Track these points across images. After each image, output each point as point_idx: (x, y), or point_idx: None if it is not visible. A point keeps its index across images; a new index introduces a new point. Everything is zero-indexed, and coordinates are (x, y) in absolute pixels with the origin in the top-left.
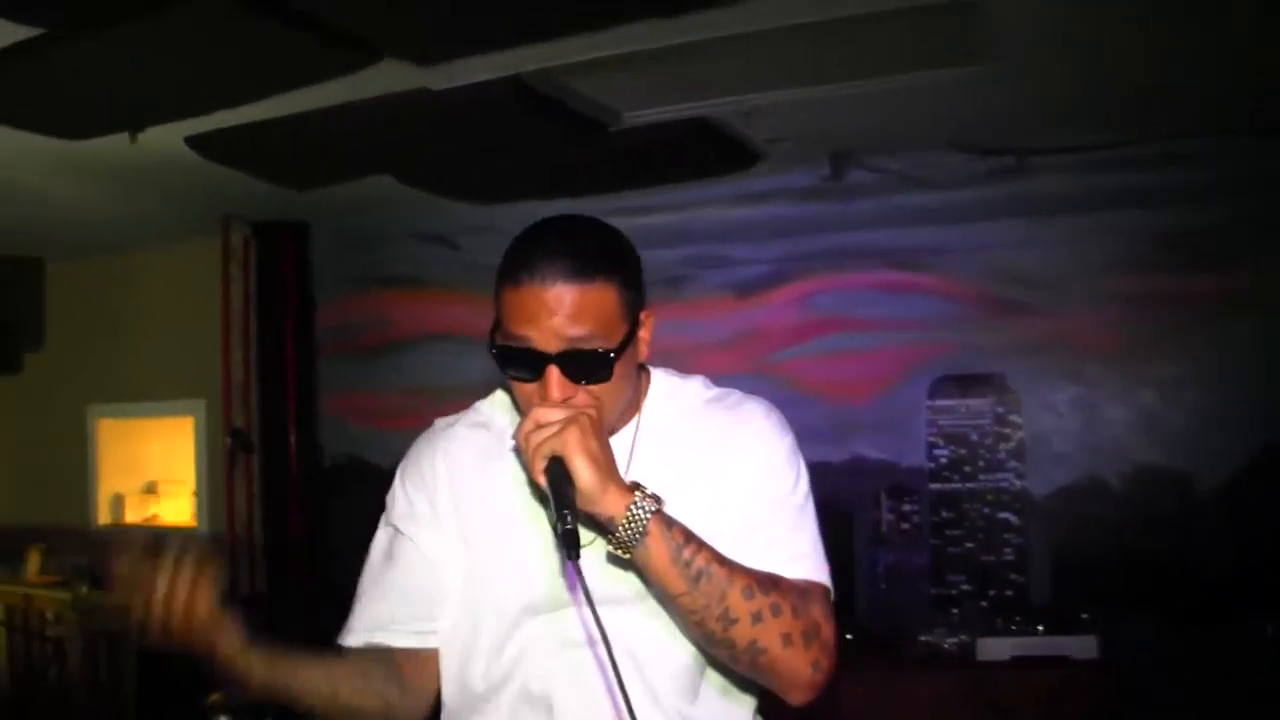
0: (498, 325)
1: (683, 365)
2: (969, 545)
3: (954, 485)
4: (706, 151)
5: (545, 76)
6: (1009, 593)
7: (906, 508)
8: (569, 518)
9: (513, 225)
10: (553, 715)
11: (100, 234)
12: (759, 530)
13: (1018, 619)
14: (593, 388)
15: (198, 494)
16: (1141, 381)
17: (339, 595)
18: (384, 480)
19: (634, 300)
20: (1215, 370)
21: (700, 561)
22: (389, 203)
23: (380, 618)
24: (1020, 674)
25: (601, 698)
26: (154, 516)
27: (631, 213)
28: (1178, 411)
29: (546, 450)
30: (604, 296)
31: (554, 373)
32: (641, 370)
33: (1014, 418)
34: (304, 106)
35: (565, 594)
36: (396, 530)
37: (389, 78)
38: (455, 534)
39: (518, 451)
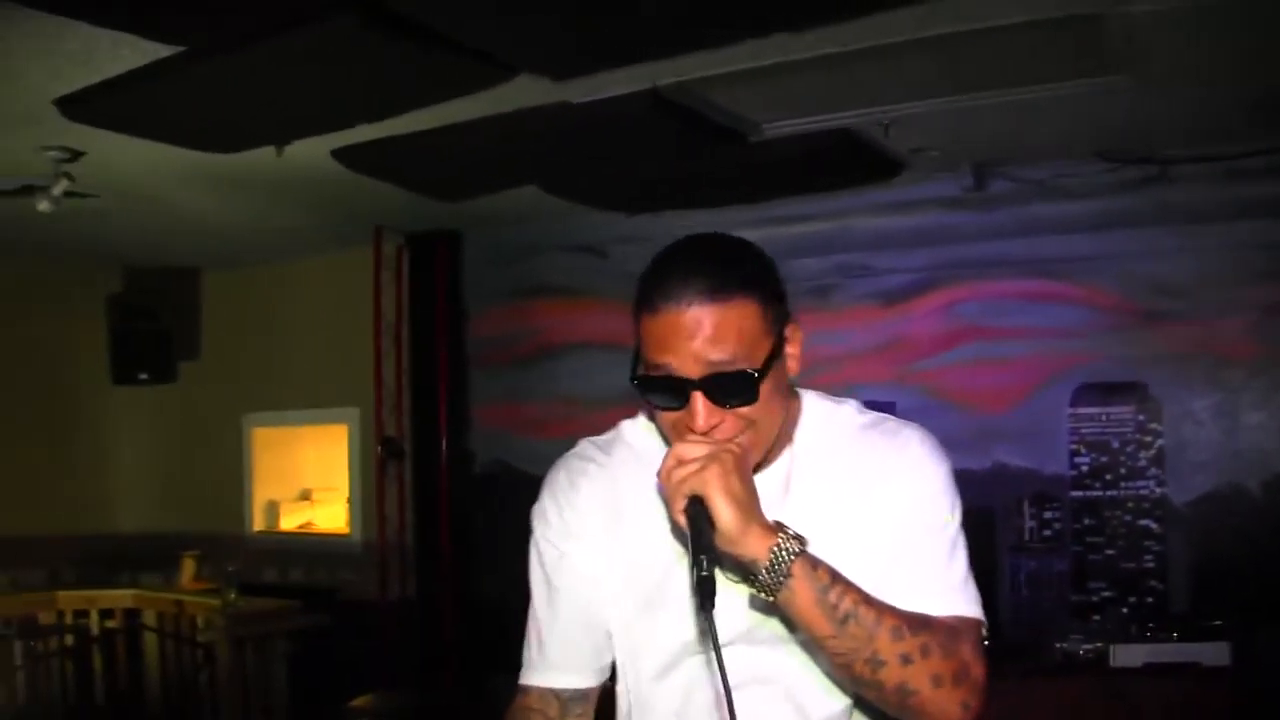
0: (638, 354)
1: (829, 373)
2: (1109, 552)
3: (1095, 493)
4: (849, 162)
5: (681, 89)
6: (1149, 600)
7: (1048, 515)
8: (705, 563)
9: (660, 234)
10: None
11: (252, 244)
12: (911, 561)
13: (1153, 626)
14: (741, 410)
15: (351, 501)
16: None
17: (487, 601)
18: (533, 488)
19: (777, 315)
20: None
21: (847, 603)
22: (539, 213)
23: (555, 658)
24: (1153, 680)
25: None
26: (309, 523)
27: (777, 222)
28: None
29: (687, 489)
30: (744, 314)
31: (698, 399)
32: (793, 395)
33: (1155, 425)
34: (445, 120)
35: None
36: (559, 551)
37: (526, 91)
38: (610, 562)
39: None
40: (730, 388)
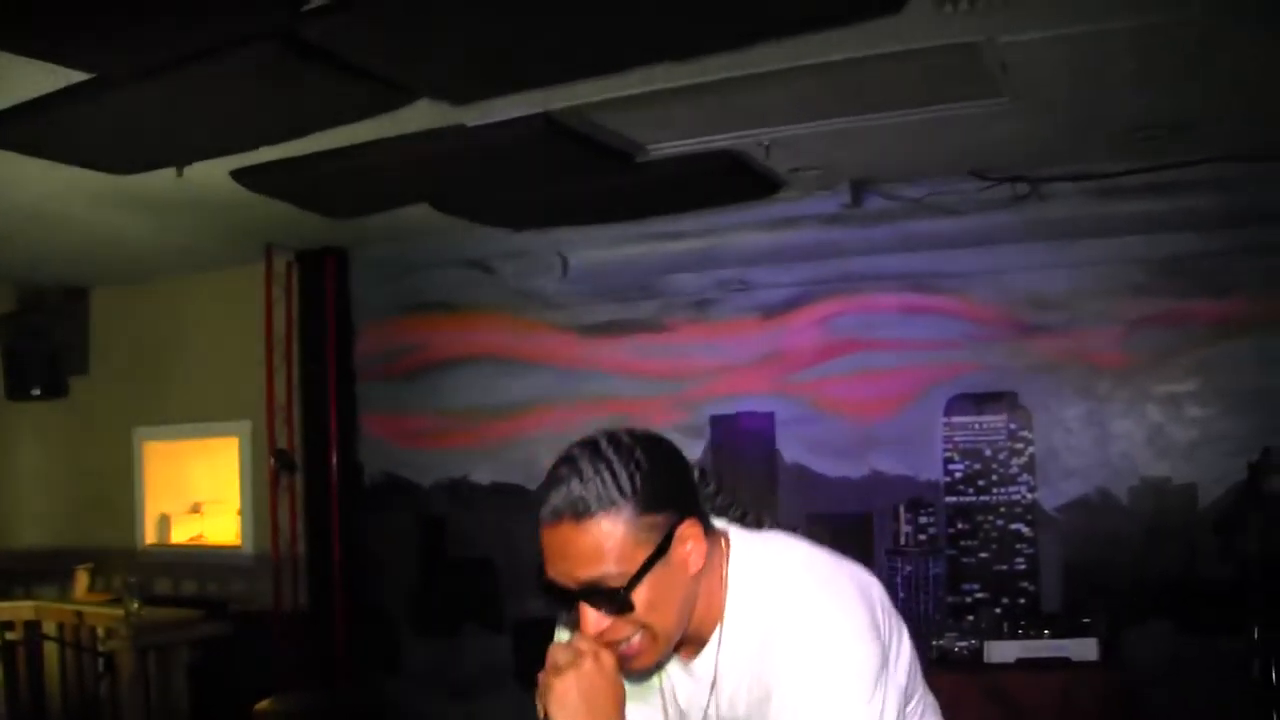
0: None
1: (711, 385)
2: (983, 555)
3: (969, 498)
4: (730, 180)
5: (573, 112)
6: (1021, 600)
7: (924, 519)
8: None
9: (546, 251)
10: None
11: (145, 261)
12: None
13: (1025, 624)
14: (625, 619)
15: (242, 513)
16: (1147, 398)
17: (376, 608)
18: (421, 498)
19: (653, 523)
20: (1216, 387)
21: None
22: (427, 230)
23: None
24: (1026, 674)
25: None
26: (200, 536)
27: (659, 238)
28: (1182, 427)
29: (541, 702)
30: (609, 531)
31: (585, 610)
32: (709, 593)
33: (1026, 433)
34: (344, 141)
35: None
36: None
37: (425, 114)
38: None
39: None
40: (603, 601)
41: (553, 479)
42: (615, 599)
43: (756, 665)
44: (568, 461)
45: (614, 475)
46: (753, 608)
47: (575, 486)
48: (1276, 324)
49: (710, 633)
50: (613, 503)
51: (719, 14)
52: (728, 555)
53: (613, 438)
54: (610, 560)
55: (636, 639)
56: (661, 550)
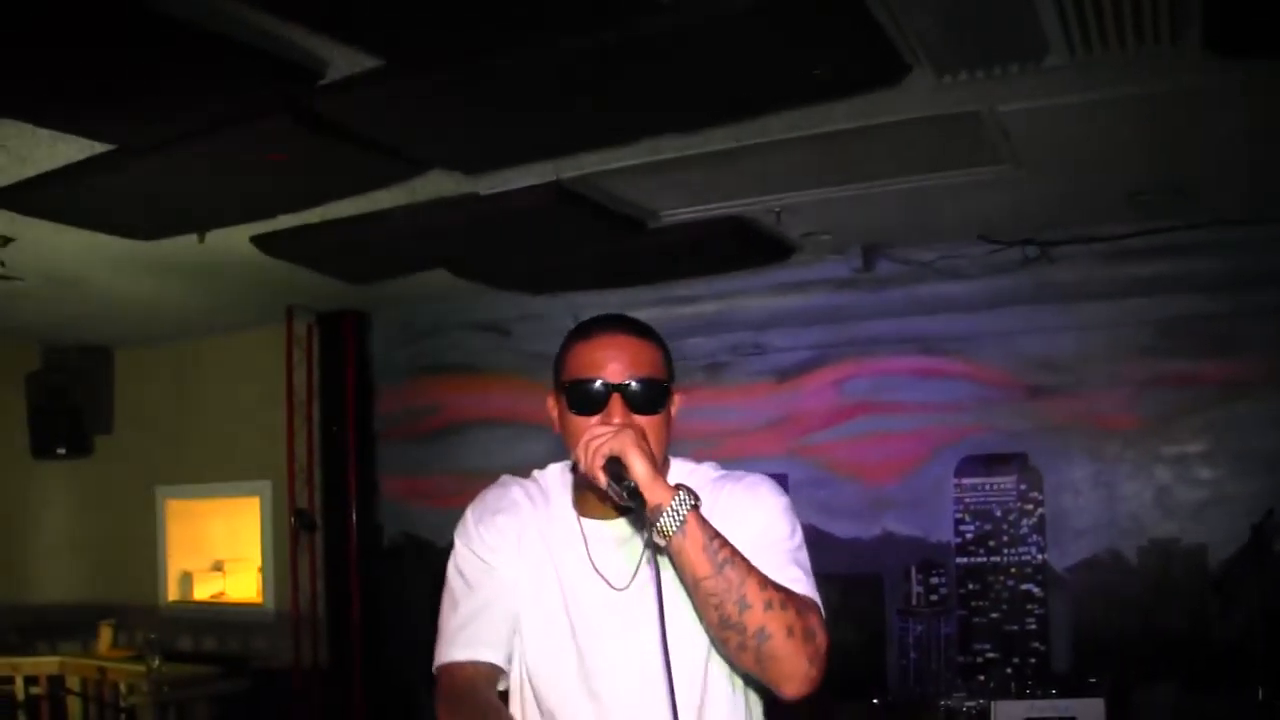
0: (561, 380)
1: (723, 448)
2: (994, 615)
3: (980, 558)
4: (742, 245)
5: (583, 181)
6: (1031, 660)
7: (935, 580)
8: (631, 485)
9: (561, 314)
10: (600, 700)
11: (168, 323)
12: (763, 562)
13: (1034, 684)
14: (640, 419)
15: (263, 571)
16: (1156, 459)
17: (394, 667)
18: (439, 557)
19: (671, 372)
20: (1225, 448)
21: (725, 553)
22: (445, 293)
23: (478, 636)
24: None
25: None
26: (221, 593)
27: (673, 303)
28: (1190, 487)
29: (606, 450)
30: (655, 354)
31: (616, 400)
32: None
33: (1036, 494)
34: (361, 209)
35: (615, 610)
36: (479, 559)
37: (438, 183)
38: (516, 573)
39: (576, 493)
40: (646, 393)
41: (600, 317)
42: (660, 392)
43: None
44: (610, 314)
45: (649, 326)
46: (691, 479)
47: (633, 321)
48: None
49: None
50: (659, 343)
51: (720, 89)
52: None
53: None
54: (657, 370)
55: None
56: (669, 389)
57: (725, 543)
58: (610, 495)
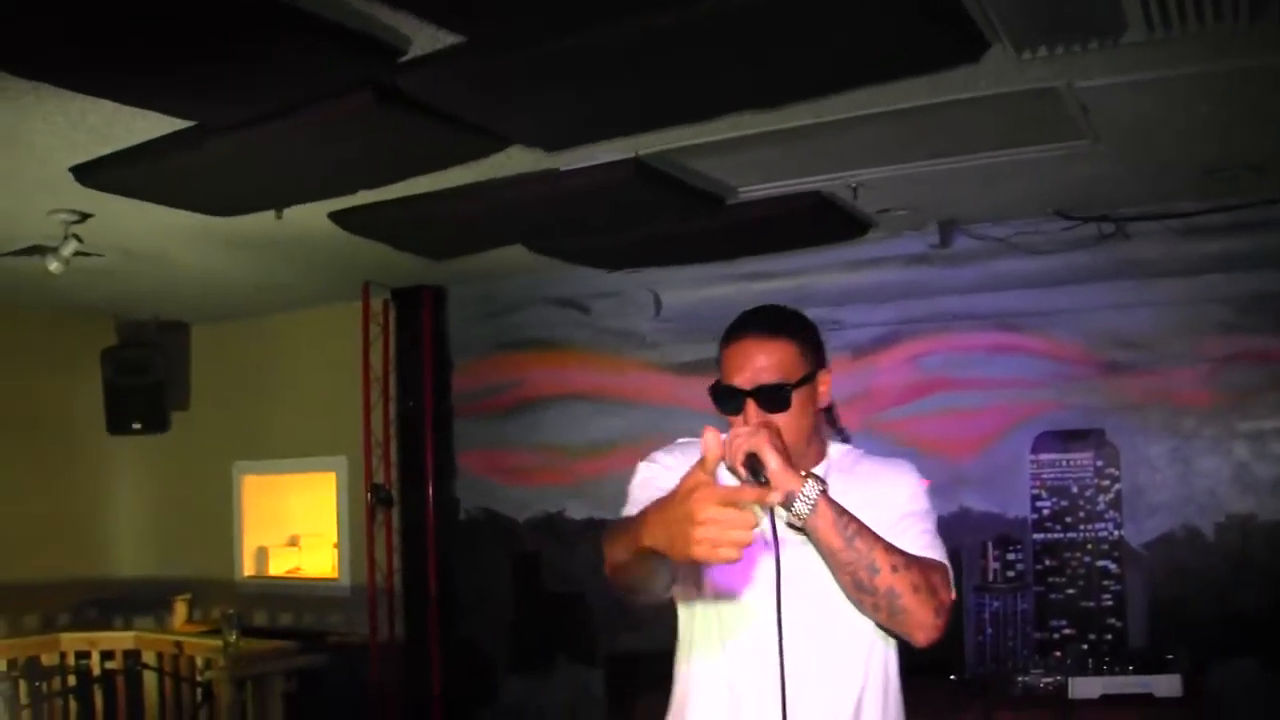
0: (717, 379)
1: None
2: (1070, 591)
3: (1056, 535)
4: (819, 221)
5: (662, 157)
6: (1107, 636)
7: (1011, 556)
8: (765, 479)
9: (638, 291)
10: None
11: (245, 298)
12: (899, 531)
13: (1110, 660)
14: (775, 416)
15: (339, 547)
16: (1233, 435)
17: (470, 643)
18: (516, 533)
19: (811, 360)
20: None
21: (854, 527)
22: (522, 269)
23: None
24: (1109, 711)
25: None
26: (297, 568)
27: (750, 278)
28: (1267, 464)
29: (746, 447)
30: (785, 352)
31: (750, 404)
32: (822, 438)
33: (1112, 470)
34: (439, 185)
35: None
36: (655, 485)
37: (518, 159)
38: None
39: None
40: (770, 395)
41: (743, 316)
42: (781, 395)
43: (852, 481)
44: (755, 309)
45: (795, 320)
46: (850, 454)
47: (766, 318)
48: None
49: (821, 460)
50: (792, 335)
51: (800, 66)
52: (830, 435)
53: (784, 306)
54: (784, 370)
55: None
56: (807, 379)
57: (853, 519)
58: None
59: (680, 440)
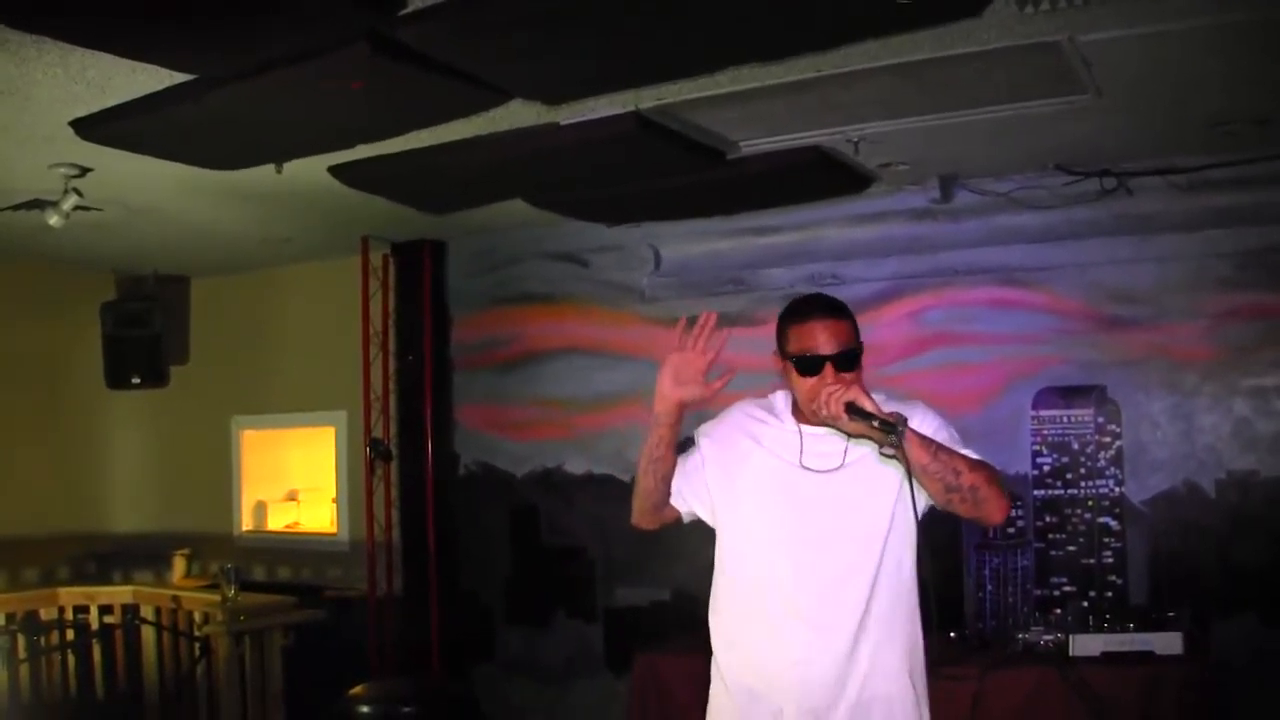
0: (786, 352)
1: None
2: (1071, 549)
3: (1057, 491)
4: (820, 176)
5: (663, 111)
6: (1108, 594)
7: (1012, 513)
8: (875, 418)
9: (639, 245)
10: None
11: (244, 252)
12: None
13: (1109, 618)
14: (846, 376)
15: (338, 501)
16: (1234, 392)
17: (469, 596)
18: (514, 488)
19: (857, 332)
20: None
21: (934, 444)
22: (522, 223)
23: (678, 490)
24: (1110, 668)
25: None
26: (295, 523)
27: (751, 233)
28: (1269, 420)
29: (843, 399)
30: (849, 327)
31: (829, 367)
32: None
33: (1113, 427)
34: (439, 139)
35: (798, 496)
36: (706, 438)
37: (518, 113)
38: (740, 453)
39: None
40: (849, 357)
41: (810, 299)
42: (856, 356)
43: None
44: (816, 295)
45: (839, 303)
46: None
47: (833, 302)
48: None
49: None
50: (850, 318)
51: (803, 18)
52: None
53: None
54: (853, 340)
55: None
56: (861, 347)
57: (932, 440)
58: (860, 427)
59: (748, 400)
